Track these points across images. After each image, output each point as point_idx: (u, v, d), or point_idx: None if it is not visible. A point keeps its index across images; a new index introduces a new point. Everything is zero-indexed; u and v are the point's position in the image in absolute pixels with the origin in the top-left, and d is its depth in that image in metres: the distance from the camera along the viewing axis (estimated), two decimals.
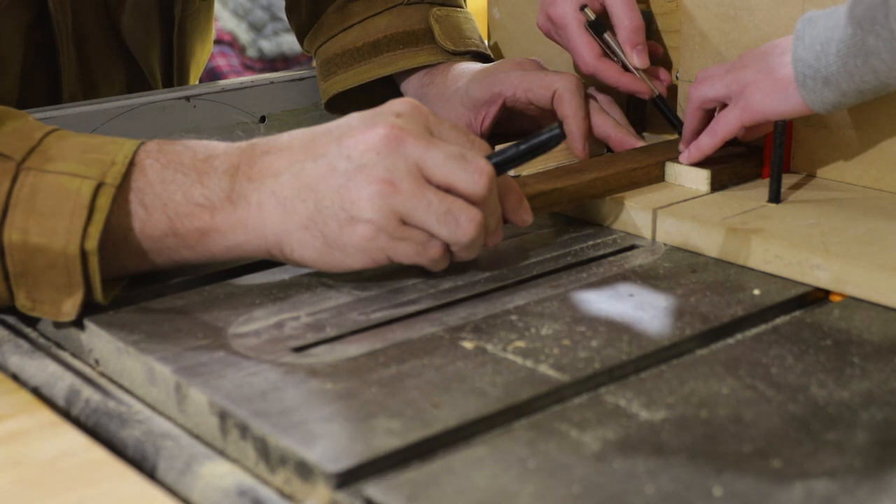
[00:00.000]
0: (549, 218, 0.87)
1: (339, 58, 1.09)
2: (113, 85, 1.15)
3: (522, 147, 0.74)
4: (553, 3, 0.99)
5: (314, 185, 0.69)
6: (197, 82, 1.30)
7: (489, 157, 0.73)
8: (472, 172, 0.70)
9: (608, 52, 0.98)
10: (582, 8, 0.97)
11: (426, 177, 0.69)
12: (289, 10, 1.21)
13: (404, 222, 0.69)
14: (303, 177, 0.69)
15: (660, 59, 1.02)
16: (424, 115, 0.72)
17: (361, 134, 0.69)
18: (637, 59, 0.96)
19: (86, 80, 1.12)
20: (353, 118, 0.71)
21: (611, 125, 0.96)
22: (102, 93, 1.14)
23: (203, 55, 1.28)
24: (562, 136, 0.74)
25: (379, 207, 0.68)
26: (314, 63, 1.15)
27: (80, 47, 1.10)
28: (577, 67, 1.02)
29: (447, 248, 0.72)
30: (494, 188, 0.72)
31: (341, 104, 1.11)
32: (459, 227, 0.70)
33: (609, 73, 0.97)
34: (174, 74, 1.23)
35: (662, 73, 1.00)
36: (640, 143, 0.95)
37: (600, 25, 0.97)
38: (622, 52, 0.97)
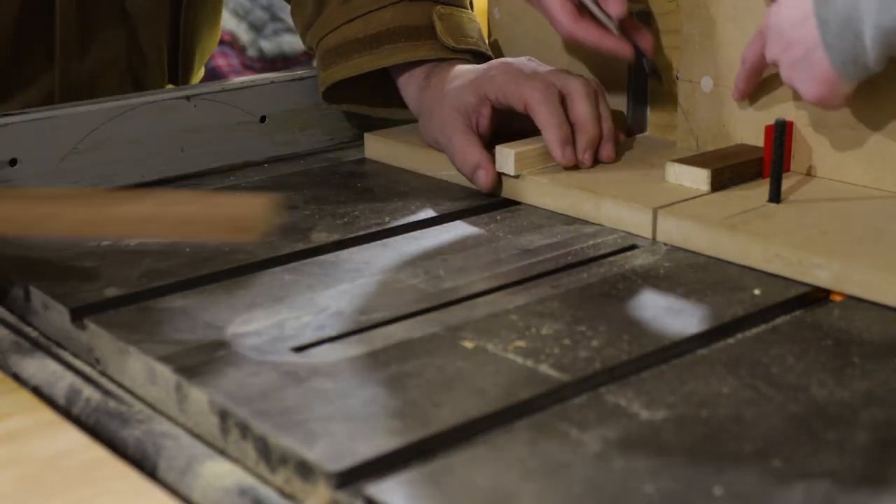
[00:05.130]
0: (550, 218, 0.87)
1: (341, 48, 1.09)
2: (108, 48, 1.15)
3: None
4: None
5: None
6: (202, 70, 1.30)
7: None
8: None
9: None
10: None
11: None
12: (294, 5, 1.21)
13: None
14: None
15: (647, 41, 0.98)
16: None
17: None
18: (613, 8, 0.92)
19: (83, 38, 1.12)
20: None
21: (596, 35, 0.95)
22: (96, 56, 1.13)
23: (210, 42, 1.28)
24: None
25: None
26: (315, 59, 1.15)
27: (81, 7, 1.10)
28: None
29: None
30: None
31: (339, 95, 1.11)
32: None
33: (588, 34, 0.94)
34: (179, 57, 1.22)
35: (644, 33, 0.97)
36: (629, 48, 0.95)
37: None
38: (599, 8, 0.93)
